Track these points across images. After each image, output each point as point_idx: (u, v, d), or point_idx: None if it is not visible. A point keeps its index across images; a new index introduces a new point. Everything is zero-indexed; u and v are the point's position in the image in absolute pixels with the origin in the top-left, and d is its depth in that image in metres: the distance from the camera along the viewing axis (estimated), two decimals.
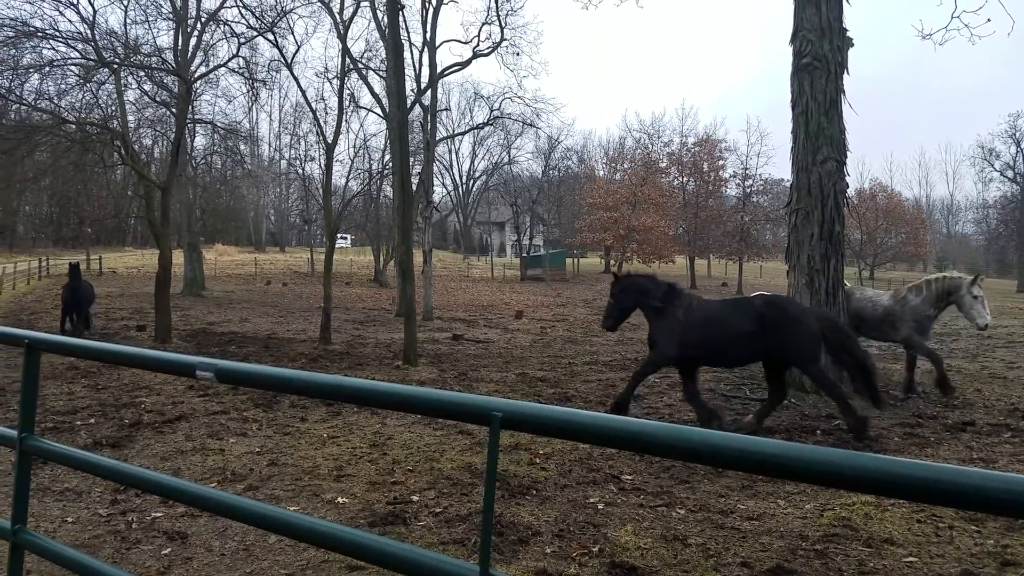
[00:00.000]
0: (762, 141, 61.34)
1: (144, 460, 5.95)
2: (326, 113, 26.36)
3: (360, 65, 25.36)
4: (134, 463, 5.82)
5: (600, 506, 4.86)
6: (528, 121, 34.06)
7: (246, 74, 20.24)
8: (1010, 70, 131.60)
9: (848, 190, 10.26)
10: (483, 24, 27.74)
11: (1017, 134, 64.91)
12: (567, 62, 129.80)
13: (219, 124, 24.69)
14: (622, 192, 39.15)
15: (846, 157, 9.95)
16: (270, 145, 66.17)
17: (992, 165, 68.64)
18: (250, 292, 33.56)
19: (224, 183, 40.47)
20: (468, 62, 28.09)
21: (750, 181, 48.83)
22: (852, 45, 9.96)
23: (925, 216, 76.28)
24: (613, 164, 52.69)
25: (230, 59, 18.09)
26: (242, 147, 31.58)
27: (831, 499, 4.95)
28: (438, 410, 1.63)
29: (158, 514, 4.62)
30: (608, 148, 65.63)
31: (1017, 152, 65.43)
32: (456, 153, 72.15)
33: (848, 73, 9.94)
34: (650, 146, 49.96)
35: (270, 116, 66.63)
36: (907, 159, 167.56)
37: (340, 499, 4.98)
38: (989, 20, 11.91)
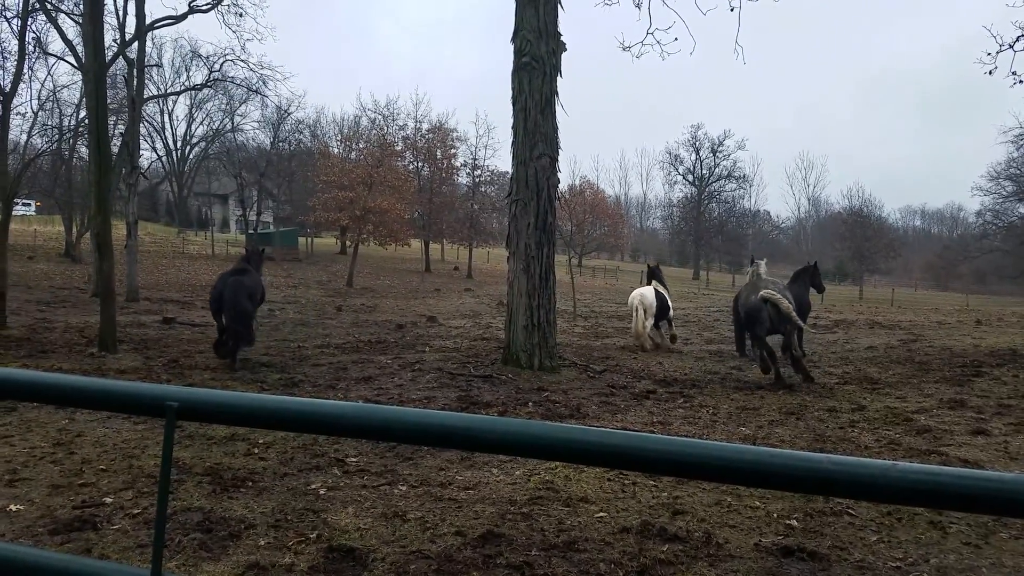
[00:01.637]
0: (489, 134, 64.76)
1: None
2: (3, 59, 21.99)
3: (49, 6, 21.44)
4: None
5: (322, 491, 4.75)
6: (253, 87, 31.82)
7: None
8: (693, 84, 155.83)
9: (560, 185, 11.27)
10: None
11: (696, 143, 77.26)
12: (297, 31, 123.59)
13: None
14: (358, 172, 38.38)
15: (559, 154, 10.90)
16: None
17: (677, 169, 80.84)
18: None
19: None
20: (183, 16, 25.23)
21: (479, 171, 51.29)
22: (565, 49, 10.91)
23: (623, 212, 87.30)
24: (348, 143, 51.39)
25: None
26: None
27: (537, 465, 5.42)
28: (107, 402, 1.42)
29: None
30: (343, 126, 63.86)
31: (696, 159, 77.84)
32: (170, 115, 64.51)
33: (561, 75, 10.87)
34: (386, 128, 49.77)
35: None
36: (610, 160, 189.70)
37: (13, 506, 4.23)
38: (677, 39, 13.97)
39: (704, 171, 77.74)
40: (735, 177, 77.55)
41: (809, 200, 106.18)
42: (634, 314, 13.99)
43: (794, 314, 9.97)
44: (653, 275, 15.12)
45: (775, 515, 4.56)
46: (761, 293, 10.18)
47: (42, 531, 3.92)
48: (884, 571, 3.79)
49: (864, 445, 6.59)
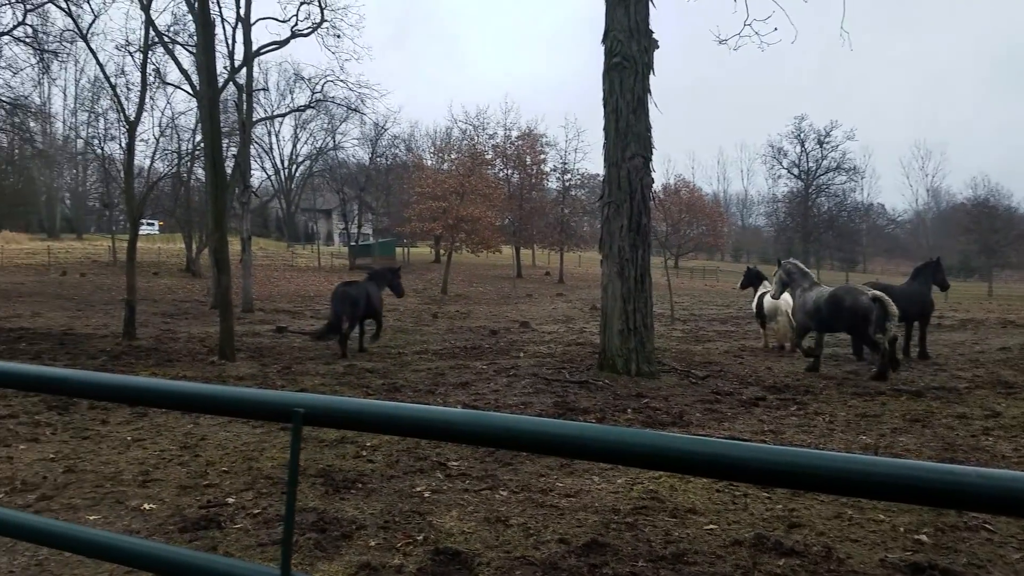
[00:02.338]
0: (579, 137, 64.70)
1: None
2: (128, 89, 23.98)
3: (166, 39, 23.21)
4: None
5: (426, 494, 4.87)
6: (353, 106, 33.14)
7: (35, 44, 17.83)
8: (798, 76, 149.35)
9: (654, 185, 11.07)
10: (301, 3, 26.52)
11: (801, 135, 73.92)
12: (393, 49, 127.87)
13: (3, 98, 21.62)
14: (450, 182, 39.33)
15: (652, 153, 10.71)
16: (64, 123, 58.27)
17: (780, 163, 77.64)
18: (43, 284, 29.80)
19: (11, 163, 35.27)
20: (286, 41, 26.71)
21: (569, 175, 51.24)
22: (658, 46, 10.72)
23: (723, 210, 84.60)
24: (441, 154, 52.75)
25: (15, 27, 15.97)
26: (31, 124, 27.75)
27: (640, 474, 5.31)
28: (239, 409, 1.52)
29: None
30: (435, 138, 65.57)
31: (801, 151, 74.49)
32: (277, 136, 68.21)
33: (654, 73, 10.69)
34: (476, 138, 50.68)
35: (64, 91, 58.60)
36: (707, 157, 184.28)
37: (147, 505, 4.58)
38: (776, 29, 13.40)
39: (811, 164, 74.21)
40: (845, 169, 73.53)
41: (928, 191, 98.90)
42: (780, 317, 13.63)
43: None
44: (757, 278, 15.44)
45: (902, 529, 4.27)
46: (871, 293, 10.45)
47: (172, 529, 4.20)
48: None
49: (1001, 455, 6.08)
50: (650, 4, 10.67)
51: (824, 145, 72.59)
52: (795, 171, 75.60)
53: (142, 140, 31.47)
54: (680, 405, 8.23)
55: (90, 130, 45.13)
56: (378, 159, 60.29)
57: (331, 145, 62.40)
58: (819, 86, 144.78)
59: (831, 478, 1.20)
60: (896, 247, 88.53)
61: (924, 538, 4.14)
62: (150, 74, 21.12)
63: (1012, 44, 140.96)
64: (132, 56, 23.38)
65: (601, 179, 11.20)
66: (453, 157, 47.52)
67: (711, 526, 4.36)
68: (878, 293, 10.42)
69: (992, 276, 57.25)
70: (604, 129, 10.76)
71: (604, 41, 10.71)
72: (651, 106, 10.67)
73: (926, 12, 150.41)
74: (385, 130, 54.61)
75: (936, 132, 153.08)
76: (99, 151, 38.94)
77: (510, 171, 50.59)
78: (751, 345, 14.79)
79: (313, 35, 26.85)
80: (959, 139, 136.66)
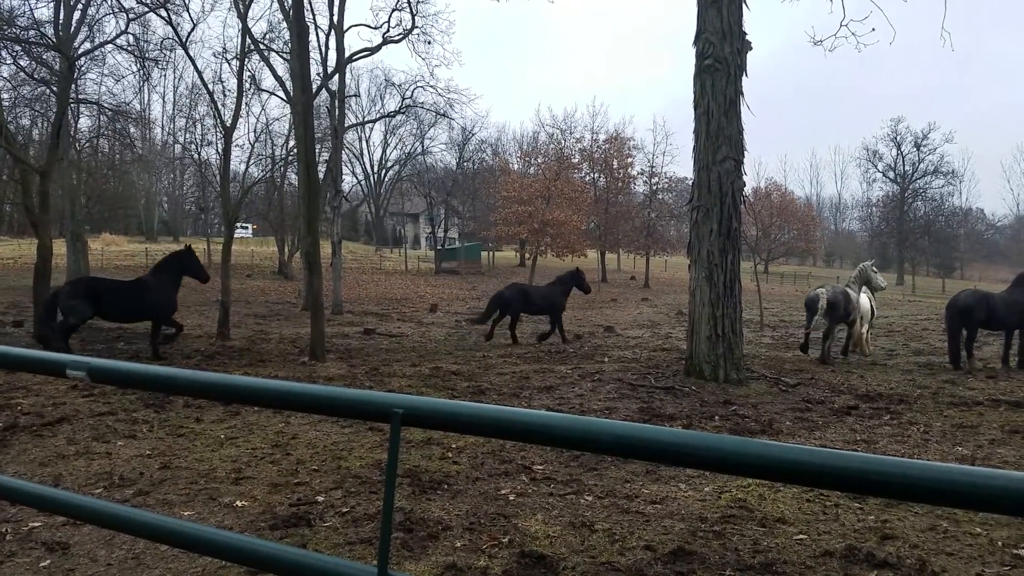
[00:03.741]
0: (667, 140, 63.71)
1: (20, 467, 5.51)
2: (224, 95, 25.26)
3: (262, 46, 24.35)
4: (9, 471, 5.38)
5: (511, 497, 4.89)
6: (441, 111, 33.80)
7: (136, 52, 19.09)
8: (895, 77, 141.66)
9: (745, 188, 10.75)
10: (393, 10, 27.23)
11: (897, 137, 70.32)
12: (480, 53, 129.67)
13: (106, 105, 23.18)
14: (536, 186, 39.53)
15: (743, 156, 10.41)
16: (163, 128, 62.25)
17: (875, 166, 74.10)
18: None
19: (112, 168, 37.97)
20: (378, 48, 27.50)
21: (656, 179, 50.49)
22: (751, 48, 10.42)
23: (815, 214, 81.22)
24: (527, 158, 53.10)
25: (118, 35, 17.11)
26: (132, 130, 29.73)
27: (728, 482, 5.18)
28: (338, 408, 1.58)
29: (36, 524, 4.29)
30: (522, 142, 66.09)
31: (897, 154, 70.93)
32: (367, 142, 70.62)
33: (747, 75, 10.39)
34: (563, 141, 50.71)
35: (163, 97, 62.79)
36: (800, 160, 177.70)
37: (239, 502, 4.77)
38: (874, 30, 12.83)
39: (907, 167, 70.58)
40: (943, 173, 69.65)
41: None
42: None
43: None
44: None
45: (1000, 543, 4.06)
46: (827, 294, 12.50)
47: (263, 526, 4.35)
48: None
49: None
50: (744, 5, 10.38)
51: (921, 148, 68.91)
52: (890, 174, 72.09)
53: (237, 145, 33.21)
54: (769, 413, 7.96)
55: (187, 135, 48.02)
56: (465, 163, 61.35)
57: (419, 150, 64.02)
58: (919, 87, 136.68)
59: (929, 488, 1.17)
60: (995, 253, 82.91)
61: (1023, 553, 3.92)
62: (246, 80, 22.13)
63: None
64: (229, 63, 24.71)
65: (689, 182, 10.98)
66: (539, 161, 47.73)
67: (801, 536, 4.21)
68: (829, 294, 12.67)
69: None
70: (694, 132, 10.54)
71: (696, 43, 10.49)
72: (743, 108, 10.38)
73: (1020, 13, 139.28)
74: (472, 135, 55.59)
75: None
76: (196, 156, 41.28)
77: (596, 175, 50.37)
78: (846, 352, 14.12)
79: (404, 41, 27.55)
80: None
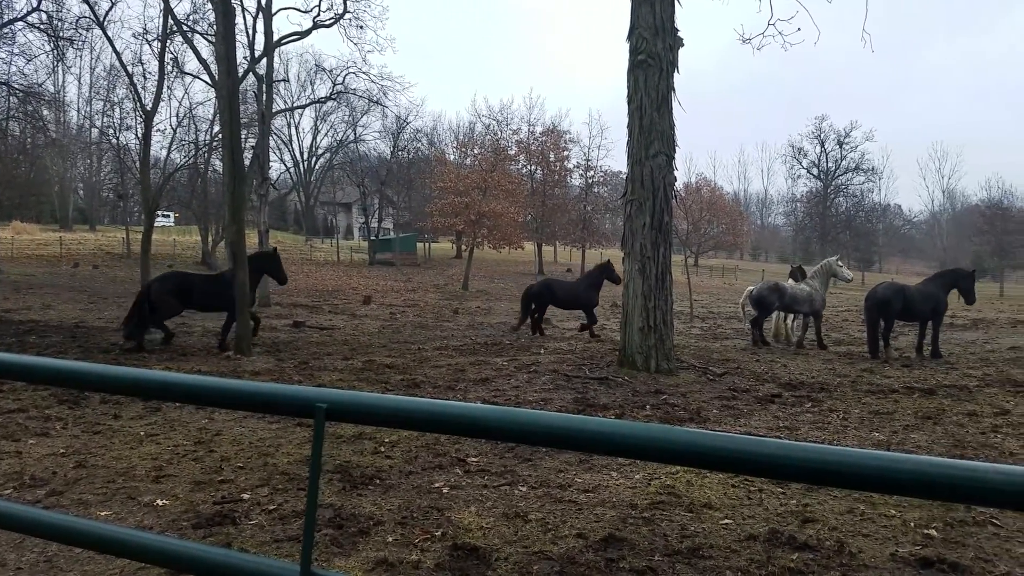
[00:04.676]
0: (603, 134, 64.66)
1: None
2: (144, 78, 24.12)
3: (185, 28, 23.32)
4: None
5: (445, 490, 4.87)
6: (374, 98, 33.16)
7: (49, 31, 17.97)
8: (819, 74, 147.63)
9: (676, 183, 10.99)
10: None
11: (821, 135, 73.36)
12: (415, 42, 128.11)
13: (16, 86, 21.75)
14: (473, 177, 39.32)
15: (675, 152, 10.63)
16: (79, 111, 58.75)
17: (800, 163, 77.12)
18: (54, 275, 30.08)
19: (23, 152, 35.71)
20: (308, 32, 26.70)
21: (592, 172, 51.13)
22: (683, 45, 10.63)
23: (742, 209, 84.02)
24: (463, 149, 52.76)
25: (29, 12, 16.05)
26: (45, 112, 27.98)
27: (658, 469, 5.30)
28: (259, 404, 1.51)
29: None
30: (458, 132, 65.69)
31: (821, 152, 73.95)
32: (296, 128, 68.64)
33: (678, 72, 10.60)
34: (499, 133, 50.67)
35: (79, 79, 59.08)
36: (728, 156, 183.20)
37: (160, 501, 4.59)
38: (799, 29, 13.35)
39: (830, 164, 73.69)
40: (863, 170, 73.16)
41: (944, 192, 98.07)
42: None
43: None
44: (795, 275, 16.33)
45: (912, 524, 4.30)
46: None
47: (186, 525, 4.20)
48: None
49: (1009, 451, 6.16)
50: (676, 2, 10.57)
51: (843, 146, 72.05)
52: (814, 171, 75.20)
53: (159, 130, 31.73)
54: (697, 402, 8.21)
55: (105, 119, 45.62)
56: (400, 153, 60.46)
57: (352, 138, 62.73)
58: (841, 85, 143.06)
59: (846, 473, 1.21)
60: (911, 247, 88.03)
61: (934, 532, 4.18)
62: (168, 63, 21.23)
63: None
64: (150, 45, 23.49)
65: (624, 176, 11.14)
66: (476, 152, 47.48)
67: (726, 520, 4.36)
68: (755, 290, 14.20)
69: (1004, 277, 56.97)
70: (628, 127, 10.69)
71: (629, 38, 10.63)
72: (675, 104, 10.59)
73: (947, 17, 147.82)
74: (407, 123, 54.82)
75: (953, 134, 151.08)
76: (114, 141, 39.31)
77: (533, 167, 50.55)
78: (770, 342, 14.71)
79: (335, 26, 26.87)
80: (975, 141, 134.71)
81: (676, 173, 10.75)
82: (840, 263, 14.40)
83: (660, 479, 5.12)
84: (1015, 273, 62.95)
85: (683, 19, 11.06)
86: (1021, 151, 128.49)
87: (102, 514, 4.36)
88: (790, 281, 15.78)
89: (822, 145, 73.69)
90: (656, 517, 4.39)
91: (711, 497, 4.78)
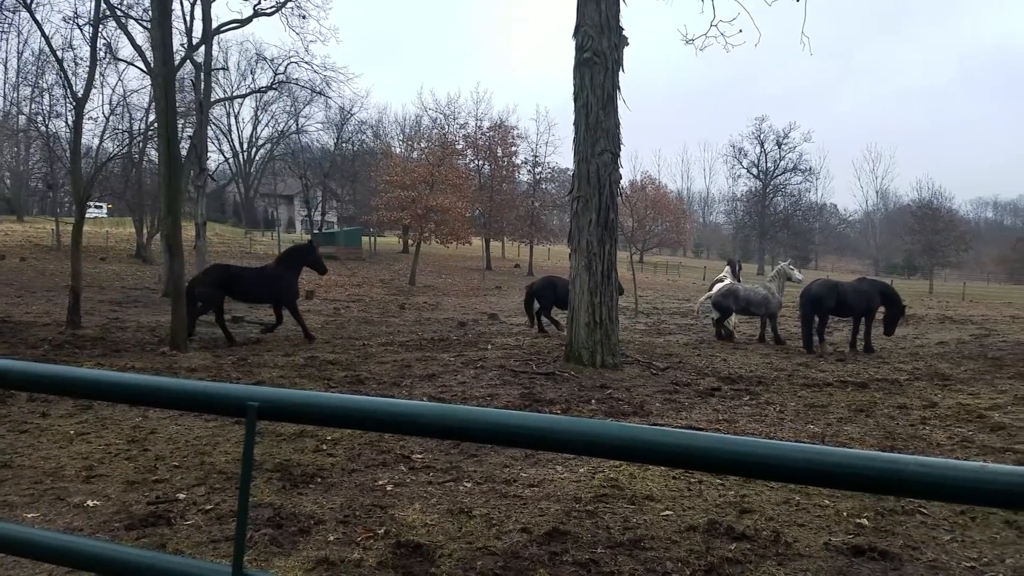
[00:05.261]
0: (550, 131, 64.96)
1: None
2: (76, 64, 23.07)
3: (119, 13, 22.39)
4: None
5: (389, 487, 4.82)
6: (317, 89, 32.57)
7: None
8: (760, 75, 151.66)
9: (622, 181, 11.12)
10: None
11: (761, 136, 75.37)
12: (360, 33, 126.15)
13: None
14: (420, 171, 38.88)
15: (620, 150, 10.75)
16: (5, 97, 55.80)
17: (740, 163, 79.07)
18: None
19: None
20: (248, 20, 26.01)
21: (539, 168, 51.31)
22: (627, 44, 10.74)
23: (686, 207, 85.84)
24: (410, 142, 52.24)
25: None
26: None
27: (602, 463, 5.36)
28: (188, 403, 1.45)
29: None
30: (404, 125, 64.93)
31: (761, 152, 75.97)
32: (236, 118, 66.71)
33: (624, 70, 10.71)
34: (447, 127, 50.34)
35: (5, 64, 56.18)
36: (672, 155, 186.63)
37: (90, 502, 4.41)
38: (741, 31, 13.66)
39: (769, 164, 75.82)
40: (801, 170, 75.51)
41: (877, 192, 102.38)
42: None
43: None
44: (731, 268, 17.04)
45: (845, 514, 4.46)
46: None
47: (118, 526, 4.05)
48: (958, 571, 3.67)
49: (936, 443, 6.42)
50: (621, 1, 10.67)
51: (782, 146, 74.29)
52: (754, 171, 77.22)
53: (91, 118, 30.43)
54: (641, 396, 8.34)
55: (33, 106, 43.38)
56: (344, 145, 59.42)
57: (294, 128, 61.31)
58: (782, 87, 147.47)
59: (781, 467, 1.24)
60: (846, 246, 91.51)
61: (865, 522, 4.33)
62: (100, 49, 20.35)
63: (964, 55, 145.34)
64: (81, 29, 22.44)
65: (571, 173, 11.22)
66: (423, 146, 47.03)
67: (667, 512, 4.44)
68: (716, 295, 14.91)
69: (933, 274, 59.87)
70: (574, 124, 10.75)
71: (575, 36, 10.68)
72: (620, 103, 10.70)
73: (879, 20, 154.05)
74: (351, 115, 53.88)
75: (887, 136, 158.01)
76: (43, 128, 37.48)
77: (481, 162, 50.40)
78: (710, 338, 15.07)
79: (277, 15, 26.26)
80: (907, 142, 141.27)
81: (622, 171, 10.87)
82: (792, 267, 15.09)
83: (604, 472, 5.18)
84: (943, 271, 65.98)
85: (628, 18, 11.16)
86: (950, 153, 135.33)
87: (29, 516, 4.18)
88: (726, 270, 16.80)
89: (762, 145, 75.76)
90: (600, 510, 4.44)
91: (653, 489, 4.86)
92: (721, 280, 16.41)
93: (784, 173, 75.33)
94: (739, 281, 16.24)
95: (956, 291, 47.68)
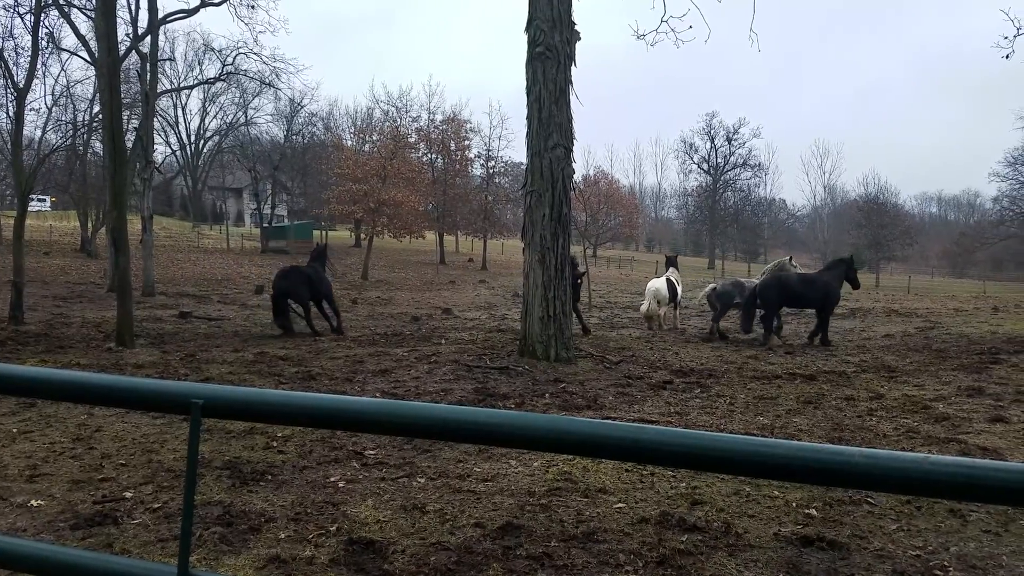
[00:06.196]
0: (503, 125, 64.81)
1: None
2: (16, 54, 22.09)
3: (61, 1, 21.53)
4: None
5: (341, 484, 4.77)
6: (266, 80, 31.90)
7: None
8: (710, 71, 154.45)
9: (575, 175, 11.20)
10: None
11: (711, 132, 76.63)
12: (310, 24, 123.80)
13: None
14: (372, 164, 38.38)
15: (573, 144, 10.82)
16: None
17: (691, 158, 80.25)
18: None
19: None
20: (195, 10, 25.29)
21: (493, 162, 51.28)
22: (579, 38, 10.80)
23: (638, 202, 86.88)
24: (362, 135, 51.42)
25: None
26: None
27: (555, 456, 5.39)
28: (130, 400, 1.42)
29: None
30: (356, 118, 63.88)
31: (711, 147, 77.26)
32: (183, 110, 64.77)
33: (576, 65, 10.77)
34: (399, 120, 49.78)
35: None
36: (624, 150, 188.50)
37: (34, 502, 4.27)
38: (691, 27, 13.91)
39: (719, 160, 77.17)
40: (750, 165, 76.94)
41: (825, 188, 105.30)
42: (647, 301, 16.03)
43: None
44: (669, 264, 17.24)
45: (794, 504, 4.55)
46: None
47: (63, 526, 3.94)
48: (904, 560, 3.75)
49: (883, 434, 6.55)
50: None
51: (732, 142, 75.66)
52: (704, 166, 78.46)
53: (32, 109, 29.30)
54: (595, 389, 8.42)
55: None
56: (294, 137, 58.26)
57: (242, 120, 59.75)
58: (732, 83, 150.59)
59: (730, 460, 1.26)
60: (795, 240, 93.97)
61: (814, 512, 4.43)
62: (42, 38, 19.60)
63: (925, 53, 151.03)
64: (22, 18, 21.46)
65: (524, 168, 11.24)
66: (375, 139, 46.44)
67: (620, 505, 4.49)
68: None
69: (879, 268, 61.88)
70: (527, 118, 10.77)
71: (527, 30, 10.69)
72: (572, 97, 10.76)
73: (827, 18, 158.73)
74: (302, 107, 52.72)
75: (834, 132, 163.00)
76: None
77: (434, 156, 50.04)
78: (663, 332, 15.33)
79: (225, 4, 25.58)
80: (854, 138, 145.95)
81: (575, 165, 10.96)
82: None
83: (558, 466, 5.22)
84: (889, 265, 68.13)
85: (580, 13, 11.25)
86: (895, 149, 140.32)
87: None
88: (671, 270, 16.96)
89: (712, 141, 77.01)
90: (553, 503, 4.47)
91: (606, 482, 4.91)
92: (669, 280, 16.27)
93: (734, 168, 76.80)
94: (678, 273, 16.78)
95: (902, 285, 49.20)
